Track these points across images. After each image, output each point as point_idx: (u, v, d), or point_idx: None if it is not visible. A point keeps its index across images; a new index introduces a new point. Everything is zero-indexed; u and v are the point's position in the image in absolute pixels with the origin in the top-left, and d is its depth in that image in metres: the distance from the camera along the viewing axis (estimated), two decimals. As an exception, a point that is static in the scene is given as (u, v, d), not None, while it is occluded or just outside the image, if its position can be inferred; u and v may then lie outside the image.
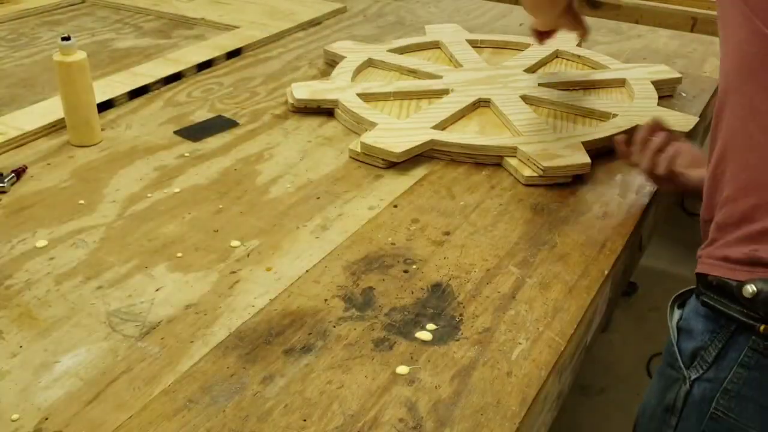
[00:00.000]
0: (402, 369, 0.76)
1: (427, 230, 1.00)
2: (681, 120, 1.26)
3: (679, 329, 0.85)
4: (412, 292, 0.88)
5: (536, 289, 0.89)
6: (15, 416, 0.70)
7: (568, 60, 1.56)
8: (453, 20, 1.88)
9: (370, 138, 1.18)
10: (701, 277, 0.79)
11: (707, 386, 0.78)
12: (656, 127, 1.04)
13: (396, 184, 1.11)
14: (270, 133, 1.26)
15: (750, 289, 0.72)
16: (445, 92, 1.35)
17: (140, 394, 0.73)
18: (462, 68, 1.46)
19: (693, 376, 0.80)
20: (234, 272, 0.91)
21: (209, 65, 1.54)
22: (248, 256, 0.94)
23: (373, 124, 1.23)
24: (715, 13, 0.89)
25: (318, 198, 1.07)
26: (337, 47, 1.56)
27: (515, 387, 0.74)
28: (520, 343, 0.80)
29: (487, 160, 1.17)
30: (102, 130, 1.24)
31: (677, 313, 0.87)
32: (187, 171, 1.13)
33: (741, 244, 0.75)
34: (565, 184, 1.11)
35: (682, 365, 0.82)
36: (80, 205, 1.04)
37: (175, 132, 1.26)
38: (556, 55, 1.56)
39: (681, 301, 0.87)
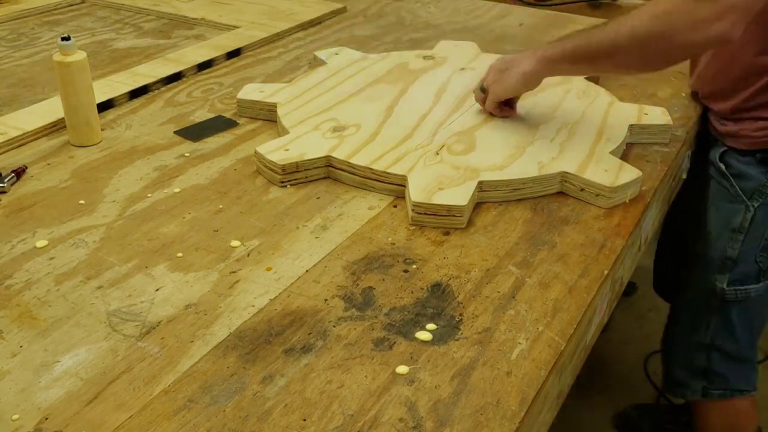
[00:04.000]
0: (402, 369, 0.76)
1: (427, 230, 1.00)
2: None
3: (732, 175, 1.30)
4: (412, 292, 0.88)
5: (536, 289, 0.89)
6: (15, 416, 0.70)
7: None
8: (453, 20, 1.88)
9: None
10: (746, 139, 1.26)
11: (765, 209, 1.28)
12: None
13: (396, 184, 1.11)
14: (270, 133, 1.26)
15: None
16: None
17: (140, 394, 0.73)
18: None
19: (755, 205, 1.28)
20: (234, 272, 0.91)
21: (209, 65, 1.54)
22: (248, 256, 0.94)
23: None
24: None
25: (318, 198, 1.07)
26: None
27: (515, 387, 0.74)
28: (519, 343, 0.80)
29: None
30: (102, 130, 1.24)
31: (721, 165, 1.31)
32: (187, 171, 1.14)
33: None
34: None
35: (745, 199, 1.29)
36: (80, 205, 1.04)
37: (175, 132, 1.26)
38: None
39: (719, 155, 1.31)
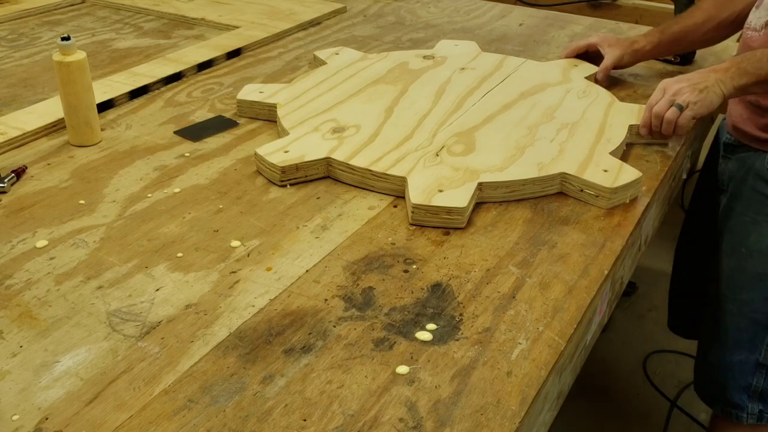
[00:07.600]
0: (402, 369, 0.76)
1: (427, 230, 1.00)
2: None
3: None
4: (412, 292, 0.88)
5: (536, 289, 0.89)
6: (15, 416, 0.70)
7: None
8: (453, 20, 1.88)
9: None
10: None
11: None
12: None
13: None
14: (270, 133, 1.26)
15: None
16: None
17: (140, 394, 0.73)
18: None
19: None
20: (234, 272, 0.91)
21: (209, 65, 1.54)
22: (248, 256, 0.94)
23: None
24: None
25: (318, 198, 1.07)
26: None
27: (515, 387, 0.75)
28: (520, 343, 0.80)
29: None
30: (102, 130, 1.24)
31: None
32: (187, 171, 1.14)
33: None
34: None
35: None
36: (80, 205, 1.04)
37: (175, 132, 1.26)
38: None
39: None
